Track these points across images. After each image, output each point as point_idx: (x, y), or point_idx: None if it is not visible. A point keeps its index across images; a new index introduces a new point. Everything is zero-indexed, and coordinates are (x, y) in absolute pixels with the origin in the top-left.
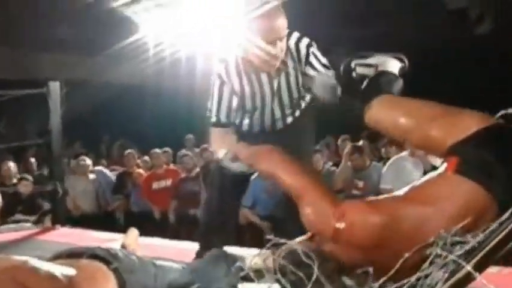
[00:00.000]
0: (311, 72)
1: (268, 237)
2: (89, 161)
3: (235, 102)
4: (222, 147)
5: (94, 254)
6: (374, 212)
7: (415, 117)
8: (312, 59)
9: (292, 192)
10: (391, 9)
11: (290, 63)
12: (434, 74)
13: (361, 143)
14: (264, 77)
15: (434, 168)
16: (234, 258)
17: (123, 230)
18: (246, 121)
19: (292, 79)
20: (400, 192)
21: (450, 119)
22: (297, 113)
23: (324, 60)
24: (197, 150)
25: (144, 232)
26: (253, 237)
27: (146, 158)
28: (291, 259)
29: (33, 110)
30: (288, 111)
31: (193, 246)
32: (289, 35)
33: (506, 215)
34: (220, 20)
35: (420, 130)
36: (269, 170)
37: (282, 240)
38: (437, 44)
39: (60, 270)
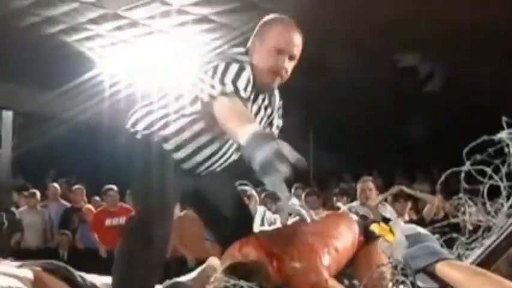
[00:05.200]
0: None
1: None
2: (38, 194)
3: None
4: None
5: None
6: None
7: None
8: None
9: None
10: None
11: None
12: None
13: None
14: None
15: (385, 219)
16: None
17: None
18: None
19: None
20: None
21: None
22: None
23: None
24: None
25: (88, 270)
26: None
27: (97, 198)
28: None
29: None
30: None
31: None
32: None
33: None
34: (180, 61)
35: None
36: None
37: None
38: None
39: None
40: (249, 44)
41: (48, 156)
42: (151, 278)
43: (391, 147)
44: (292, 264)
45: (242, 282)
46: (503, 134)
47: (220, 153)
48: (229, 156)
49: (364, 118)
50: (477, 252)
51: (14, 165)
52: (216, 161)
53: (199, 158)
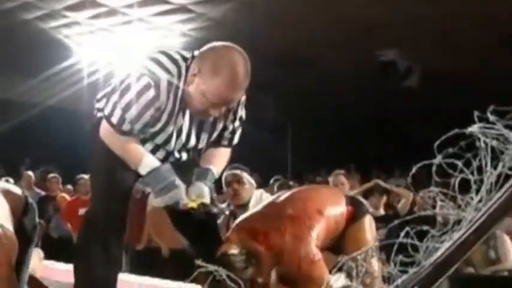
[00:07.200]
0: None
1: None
2: (12, 182)
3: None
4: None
5: None
6: None
7: None
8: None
9: None
10: None
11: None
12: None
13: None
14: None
15: None
16: None
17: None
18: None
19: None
20: None
21: None
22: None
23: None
24: None
25: (63, 258)
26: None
27: (69, 186)
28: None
29: None
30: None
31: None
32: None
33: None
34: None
35: None
36: None
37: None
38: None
39: None
40: (192, 67)
41: (24, 144)
42: (110, 263)
43: (369, 141)
44: (282, 237)
45: (221, 270)
46: (474, 128)
47: (174, 141)
48: (185, 144)
49: (342, 112)
50: (446, 245)
51: None
52: (171, 151)
53: (151, 145)
